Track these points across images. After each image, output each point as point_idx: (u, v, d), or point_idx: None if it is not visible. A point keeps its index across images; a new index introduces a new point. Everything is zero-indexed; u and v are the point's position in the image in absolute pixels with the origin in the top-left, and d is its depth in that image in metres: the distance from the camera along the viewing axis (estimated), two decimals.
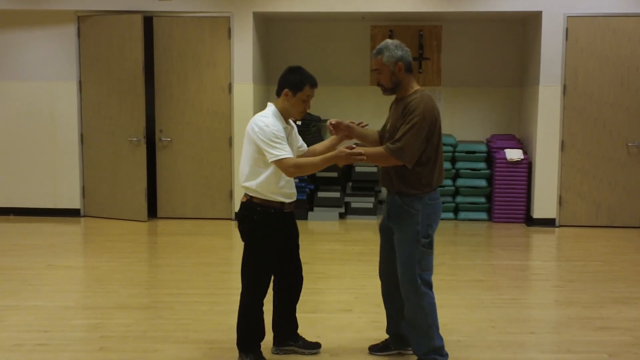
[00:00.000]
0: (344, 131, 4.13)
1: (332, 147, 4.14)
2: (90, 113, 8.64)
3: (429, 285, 3.91)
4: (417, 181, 3.82)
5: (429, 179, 3.84)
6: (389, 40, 3.93)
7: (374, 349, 4.27)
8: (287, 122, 3.98)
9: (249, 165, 3.91)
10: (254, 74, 8.49)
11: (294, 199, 4.05)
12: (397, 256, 3.92)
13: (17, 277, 5.97)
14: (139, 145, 8.41)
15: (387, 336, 4.30)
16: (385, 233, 4.09)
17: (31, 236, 7.70)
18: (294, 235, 4.17)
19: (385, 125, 4.08)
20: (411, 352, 4.18)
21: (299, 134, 4.22)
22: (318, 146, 4.24)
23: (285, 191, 3.94)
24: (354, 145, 3.77)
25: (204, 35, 8.47)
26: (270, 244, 3.95)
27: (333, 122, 4.10)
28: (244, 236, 3.99)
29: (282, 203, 3.95)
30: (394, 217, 3.94)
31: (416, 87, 3.91)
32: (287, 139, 3.92)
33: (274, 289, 4.21)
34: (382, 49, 3.87)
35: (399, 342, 4.22)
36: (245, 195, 3.98)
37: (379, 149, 3.81)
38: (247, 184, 3.93)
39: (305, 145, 4.24)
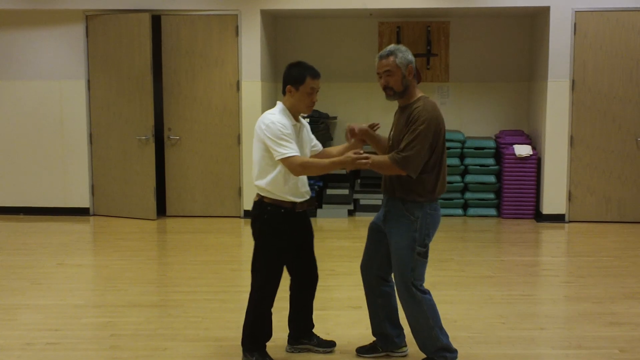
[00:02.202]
0: (360, 135, 4.03)
1: (344, 153, 4.00)
2: (99, 112, 8.67)
3: (423, 292, 3.91)
4: (422, 188, 3.80)
5: (432, 186, 3.82)
6: (395, 45, 3.91)
7: (361, 351, 4.23)
8: (297, 120, 3.96)
9: (259, 164, 3.90)
10: (261, 71, 8.49)
11: (307, 198, 4.02)
12: (392, 263, 3.92)
13: (27, 276, 6.00)
14: (148, 143, 8.43)
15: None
16: (375, 232, 4.08)
17: (41, 235, 7.74)
18: (308, 235, 4.14)
19: (390, 134, 4.04)
20: (399, 354, 4.19)
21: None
22: (333, 149, 4.19)
23: (296, 190, 3.91)
24: (362, 151, 3.75)
25: (211, 33, 8.48)
26: (279, 244, 3.93)
27: (355, 129, 4.00)
28: (254, 235, 3.99)
29: (294, 203, 3.93)
30: (392, 222, 3.91)
31: (420, 94, 3.88)
32: (297, 137, 3.90)
33: (290, 288, 4.21)
34: (394, 50, 3.83)
35: (386, 343, 4.18)
36: (257, 194, 3.97)
37: (384, 158, 3.78)
38: (257, 183, 3.92)
39: (319, 145, 4.19)
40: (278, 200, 3.89)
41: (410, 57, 3.85)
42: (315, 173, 3.89)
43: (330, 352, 4.26)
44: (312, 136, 4.16)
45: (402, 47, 3.86)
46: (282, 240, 3.93)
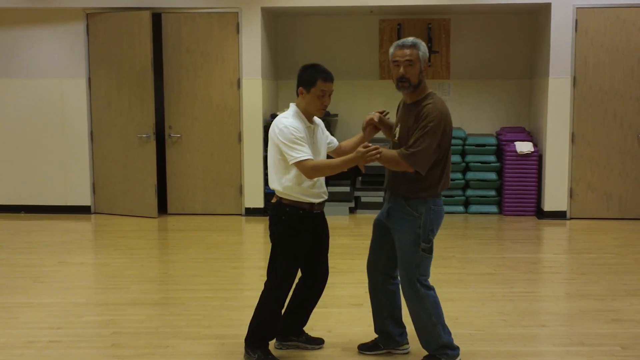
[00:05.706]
0: (377, 124, 4.06)
1: (359, 144, 4.01)
2: (100, 110, 8.67)
3: (428, 287, 3.91)
4: (425, 184, 3.79)
5: (435, 182, 3.81)
6: (415, 38, 3.86)
7: (363, 348, 4.23)
8: (311, 122, 3.95)
9: (274, 167, 3.90)
10: (262, 69, 8.48)
11: (325, 198, 4.01)
12: (398, 259, 3.92)
13: (29, 275, 6.01)
14: (149, 141, 8.43)
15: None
16: (379, 229, 4.07)
17: (42, 233, 7.74)
18: (324, 236, 4.13)
19: (394, 130, 4.02)
20: (400, 351, 4.19)
21: None
22: (348, 143, 4.19)
23: (313, 191, 3.90)
24: (370, 144, 3.73)
25: (212, 30, 8.47)
26: (297, 245, 3.93)
27: (374, 120, 4.03)
28: (272, 236, 3.99)
29: (312, 204, 3.92)
30: (395, 218, 3.91)
31: (428, 90, 3.87)
32: (311, 139, 3.89)
33: (296, 286, 4.19)
34: (417, 43, 3.81)
35: (388, 341, 4.18)
36: (275, 196, 3.97)
37: (393, 152, 3.77)
38: (274, 186, 3.92)
39: (335, 141, 4.20)
40: (296, 201, 3.88)
41: (428, 55, 3.87)
42: (328, 174, 3.87)
43: (319, 348, 4.26)
44: (328, 133, 4.16)
45: (422, 42, 3.85)
46: (300, 241, 3.93)
